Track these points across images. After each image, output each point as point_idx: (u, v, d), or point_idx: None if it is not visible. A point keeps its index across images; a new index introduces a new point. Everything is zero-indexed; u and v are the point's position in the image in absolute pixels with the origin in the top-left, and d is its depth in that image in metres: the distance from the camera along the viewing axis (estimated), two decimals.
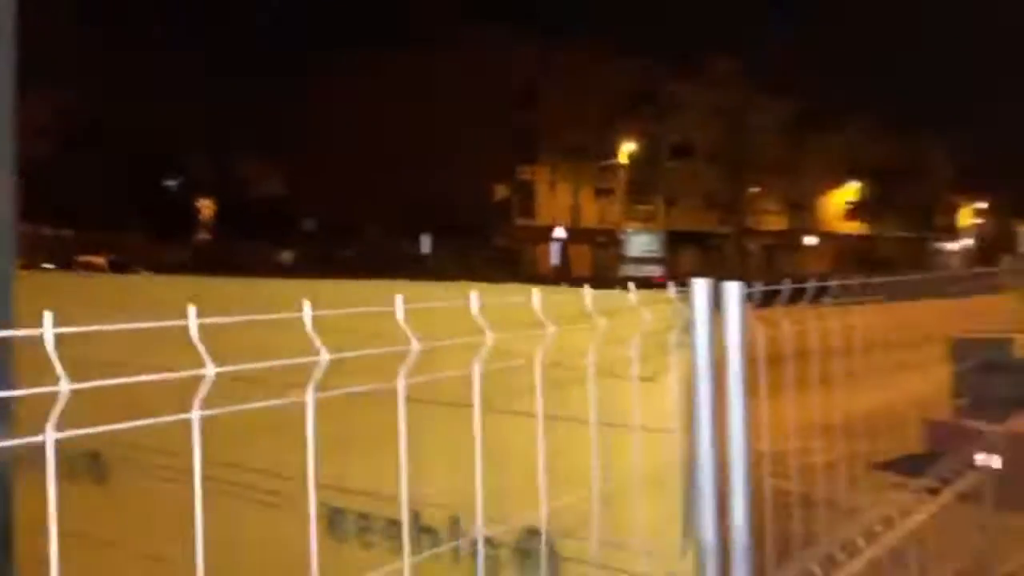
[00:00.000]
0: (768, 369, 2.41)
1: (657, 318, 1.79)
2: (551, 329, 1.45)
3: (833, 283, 2.21)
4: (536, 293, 1.47)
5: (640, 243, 51.56)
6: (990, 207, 75.48)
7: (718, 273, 2.11)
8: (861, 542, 2.40)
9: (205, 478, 1.10)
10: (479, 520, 1.53)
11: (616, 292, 1.81)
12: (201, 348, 1.00)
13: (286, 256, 43.40)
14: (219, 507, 1.07)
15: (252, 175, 47.41)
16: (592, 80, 43.51)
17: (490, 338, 1.32)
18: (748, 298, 1.85)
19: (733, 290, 1.83)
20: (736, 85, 50.79)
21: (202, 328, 1.04)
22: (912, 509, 3.24)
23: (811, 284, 2.09)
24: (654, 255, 50.52)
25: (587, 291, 1.63)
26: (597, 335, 1.59)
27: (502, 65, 42.02)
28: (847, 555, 2.29)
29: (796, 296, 2.18)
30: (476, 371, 1.34)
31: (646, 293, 1.82)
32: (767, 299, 2.07)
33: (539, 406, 1.54)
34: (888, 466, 5.51)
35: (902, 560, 3.02)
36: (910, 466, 4.09)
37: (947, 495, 3.48)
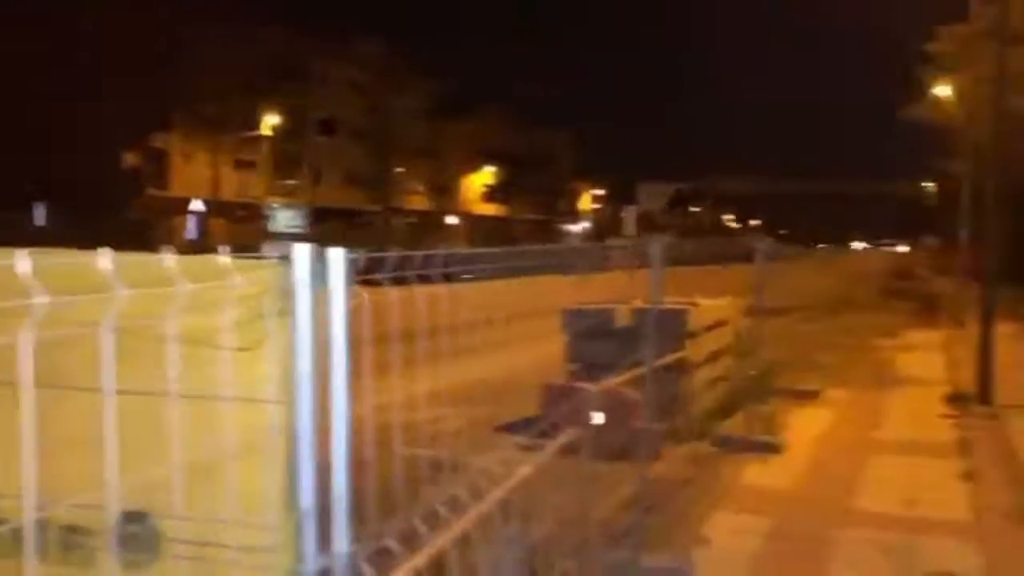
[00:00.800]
0: (394, 342, 2.46)
1: (256, 285, 1.74)
2: (123, 293, 1.33)
3: (440, 252, 2.29)
4: (107, 254, 1.34)
5: (285, 218, 50.54)
6: (606, 194, 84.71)
7: (364, 250, 2.09)
8: (466, 497, 2.54)
9: None
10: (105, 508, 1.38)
11: (209, 257, 1.72)
12: None
13: None
14: None
15: None
16: (234, 48, 41.58)
17: (43, 301, 1.17)
18: (353, 265, 1.86)
19: (337, 257, 1.82)
20: (382, 65, 51.56)
21: None
22: (518, 465, 3.51)
23: (419, 253, 2.15)
24: (299, 230, 49.77)
25: (169, 254, 1.53)
26: (179, 300, 1.50)
27: (133, 25, 38.57)
28: (450, 510, 2.42)
29: (410, 266, 2.23)
30: (26, 339, 1.19)
31: (245, 259, 1.76)
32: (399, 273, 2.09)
33: (108, 377, 1.42)
34: (509, 428, 5.95)
35: (508, 511, 3.26)
36: (528, 427, 4.41)
37: (549, 451, 3.81)
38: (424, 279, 2.26)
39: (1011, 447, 8.13)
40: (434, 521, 2.35)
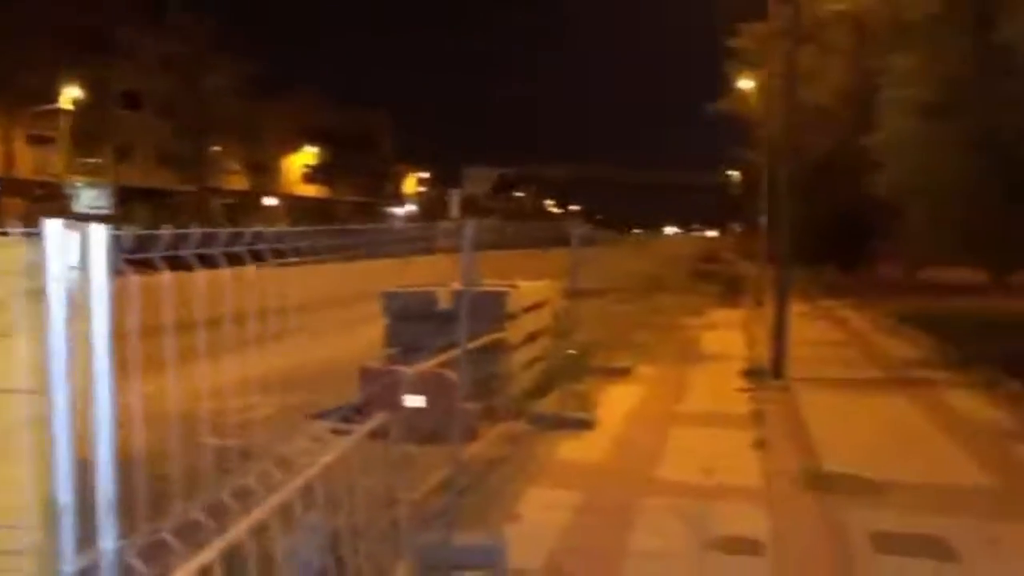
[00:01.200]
0: (175, 328, 2.32)
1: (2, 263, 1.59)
2: None
3: (224, 231, 2.18)
4: None
5: (89, 198, 47.22)
6: (431, 178, 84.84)
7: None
8: (256, 487, 2.45)
9: None
10: None
11: None
12: None
13: None
14: None
15: None
16: (28, 13, 38.33)
17: None
18: (117, 242, 1.73)
19: (98, 234, 1.69)
20: (193, 39, 49.08)
21: None
22: (322, 451, 3.43)
23: (195, 231, 2.03)
24: (104, 211, 46.67)
25: None
26: None
27: None
28: (240, 500, 2.32)
29: (186, 245, 2.11)
30: None
31: None
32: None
33: None
34: (326, 415, 5.81)
35: (310, 498, 3.18)
36: (345, 413, 4.31)
37: (355, 436, 3.75)
38: (207, 260, 2.14)
39: (800, 418, 8.78)
40: (223, 512, 2.25)
